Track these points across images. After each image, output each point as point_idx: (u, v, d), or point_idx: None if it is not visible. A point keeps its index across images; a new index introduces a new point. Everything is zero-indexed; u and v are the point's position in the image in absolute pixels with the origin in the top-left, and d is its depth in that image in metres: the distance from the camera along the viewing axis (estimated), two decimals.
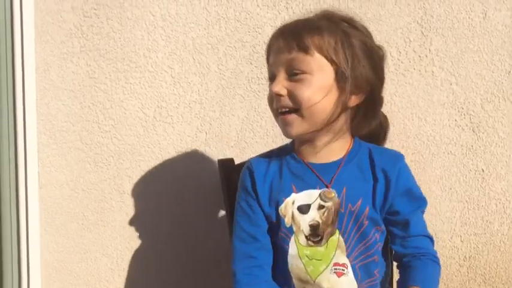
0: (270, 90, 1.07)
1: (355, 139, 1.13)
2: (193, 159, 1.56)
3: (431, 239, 1.14)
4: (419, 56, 1.59)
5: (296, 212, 1.07)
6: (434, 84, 1.61)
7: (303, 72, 1.03)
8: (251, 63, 1.55)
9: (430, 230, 1.64)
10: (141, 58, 1.52)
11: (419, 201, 1.13)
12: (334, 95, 1.04)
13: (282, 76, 1.05)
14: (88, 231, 1.55)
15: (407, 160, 1.60)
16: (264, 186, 1.10)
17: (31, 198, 1.51)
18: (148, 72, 1.53)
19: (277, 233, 1.10)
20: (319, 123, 1.05)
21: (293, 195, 1.08)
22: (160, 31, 1.52)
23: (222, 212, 1.45)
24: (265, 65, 1.53)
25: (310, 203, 1.06)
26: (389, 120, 1.59)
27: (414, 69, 1.60)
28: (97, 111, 1.52)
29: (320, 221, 1.05)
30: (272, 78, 1.08)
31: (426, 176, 1.64)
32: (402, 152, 1.59)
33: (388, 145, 1.59)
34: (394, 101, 1.60)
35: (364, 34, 1.08)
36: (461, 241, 1.67)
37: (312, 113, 1.04)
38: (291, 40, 1.03)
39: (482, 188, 1.66)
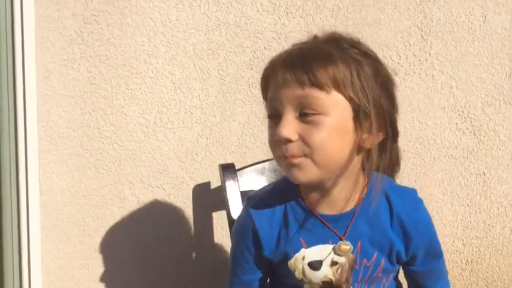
0: (273, 132, 0.89)
1: (370, 181, 0.95)
2: (194, 165, 1.56)
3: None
4: (420, 60, 1.60)
5: (307, 268, 0.95)
6: (434, 87, 1.61)
7: (317, 113, 0.85)
8: (251, 69, 1.55)
9: None
10: (142, 64, 1.52)
11: (437, 259, 1.03)
12: (351, 136, 0.87)
13: (291, 116, 0.86)
14: (89, 238, 1.55)
15: (409, 164, 1.62)
16: (270, 239, 0.96)
17: (32, 204, 1.51)
18: (148, 78, 1.53)
19: (288, 279, 0.99)
20: (334, 170, 0.89)
21: (302, 250, 0.95)
22: (161, 37, 1.52)
23: (224, 217, 1.45)
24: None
25: (322, 259, 0.94)
26: None
27: (414, 73, 1.60)
28: (98, 117, 1.52)
29: (333, 278, 0.95)
30: (274, 115, 0.90)
31: (428, 179, 1.63)
32: (403, 155, 1.60)
33: None
34: None
35: (376, 60, 0.92)
36: (463, 245, 1.67)
37: (327, 159, 0.87)
38: (300, 73, 0.85)
39: (483, 192, 1.66)
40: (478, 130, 1.64)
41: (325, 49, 0.88)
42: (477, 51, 1.61)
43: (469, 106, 1.63)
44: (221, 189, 1.43)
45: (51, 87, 1.50)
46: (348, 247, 0.93)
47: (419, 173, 1.63)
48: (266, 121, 1.54)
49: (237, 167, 1.43)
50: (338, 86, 0.85)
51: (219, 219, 1.56)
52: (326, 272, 0.94)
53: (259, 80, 1.54)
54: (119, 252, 1.56)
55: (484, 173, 1.65)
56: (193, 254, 1.59)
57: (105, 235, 1.55)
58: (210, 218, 1.58)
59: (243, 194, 1.39)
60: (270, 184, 1.04)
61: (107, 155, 1.53)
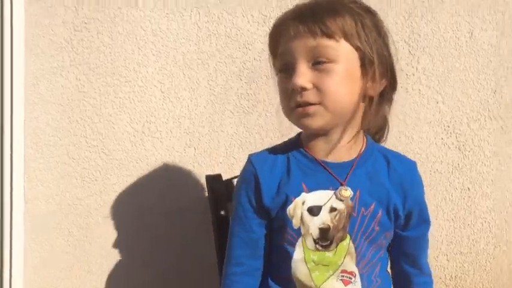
0: (288, 83, 0.94)
1: (367, 138, 1.04)
2: (181, 175, 1.55)
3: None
4: (407, 74, 1.62)
5: (306, 214, 0.97)
6: (421, 102, 1.63)
7: (329, 61, 0.92)
8: (241, 79, 1.56)
9: None
10: (131, 72, 1.52)
11: (426, 224, 1.09)
12: (358, 83, 0.95)
13: (304, 66, 0.93)
14: (73, 248, 1.53)
15: None
16: (270, 185, 1.00)
17: (16, 213, 1.48)
18: (138, 87, 1.53)
19: (282, 235, 1.01)
20: (343, 116, 0.97)
21: (303, 194, 0.98)
22: (151, 46, 1.52)
23: (210, 228, 1.44)
24: (256, 80, 1.55)
25: (321, 204, 0.97)
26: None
27: (401, 87, 1.62)
28: (85, 125, 1.51)
29: (331, 225, 0.97)
30: (287, 68, 0.96)
31: None
32: None
33: None
34: None
35: (375, 15, 0.99)
36: (448, 260, 1.67)
37: (337, 105, 0.94)
38: (312, 24, 0.91)
39: (468, 207, 1.67)
40: (463, 145, 1.66)
41: (332, 3, 0.94)
42: (463, 66, 1.64)
43: (455, 121, 1.65)
44: (208, 200, 1.43)
45: (39, 95, 1.49)
46: (348, 192, 0.97)
47: None
48: (254, 133, 1.55)
49: (224, 178, 1.43)
50: (346, 36, 0.92)
51: (206, 230, 1.54)
52: (324, 218, 0.97)
53: (248, 91, 1.56)
54: (104, 263, 1.54)
55: (469, 188, 1.67)
56: (179, 264, 1.58)
57: (89, 245, 1.53)
58: (197, 229, 1.56)
59: (229, 205, 1.38)
60: (275, 145, 1.09)
61: (93, 164, 1.52)
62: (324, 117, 0.95)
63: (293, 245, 1.00)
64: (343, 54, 0.93)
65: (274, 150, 1.04)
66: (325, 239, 0.98)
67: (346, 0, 0.96)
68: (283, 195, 0.99)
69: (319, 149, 1.00)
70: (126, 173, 1.53)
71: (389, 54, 0.99)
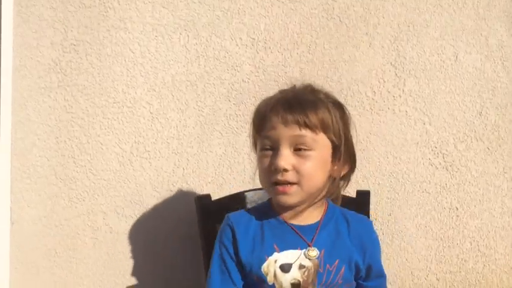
0: (270, 161, 1.09)
1: (328, 202, 1.20)
2: (170, 195, 1.55)
3: None
4: (393, 96, 1.63)
5: (278, 271, 1.11)
6: (408, 123, 1.64)
7: (308, 149, 1.08)
8: (229, 101, 1.57)
9: (406, 268, 1.65)
10: (120, 94, 1.52)
11: (383, 278, 1.23)
12: (328, 167, 1.11)
13: (287, 150, 1.08)
14: (60, 269, 1.51)
15: (383, 197, 1.64)
16: (246, 243, 1.13)
17: (2, 234, 1.47)
18: (126, 108, 1.53)
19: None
20: (314, 194, 1.12)
21: (275, 254, 1.12)
22: (140, 67, 1.53)
23: (199, 248, 1.43)
24: (245, 101, 1.56)
25: (291, 262, 1.11)
26: (364, 159, 1.62)
27: (388, 108, 1.63)
28: (73, 146, 1.51)
29: (301, 280, 1.11)
30: (268, 149, 1.10)
31: (401, 213, 1.65)
32: (377, 189, 1.62)
33: (363, 183, 1.62)
34: (369, 139, 1.63)
35: (342, 106, 1.15)
36: (437, 279, 1.67)
37: (311, 185, 1.10)
38: (298, 116, 1.07)
39: (456, 226, 1.68)
40: (451, 165, 1.67)
41: (313, 97, 1.11)
42: (449, 89, 1.66)
43: (442, 142, 1.66)
44: (197, 220, 1.42)
45: (27, 115, 1.49)
46: (315, 252, 1.11)
47: (394, 206, 1.65)
48: (243, 153, 1.56)
49: (213, 198, 1.43)
50: (324, 129, 1.09)
51: (195, 250, 1.54)
52: (295, 274, 1.11)
53: (237, 111, 1.56)
54: (91, 284, 1.53)
55: (457, 208, 1.68)
56: (167, 285, 1.57)
57: (76, 267, 1.52)
58: (185, 249, 1.56)
59: (218, 225, 1.38)
60: (250, 208, 1.24)
61: (80, 184, 1.51)
62: (299, 196, 1.10)
63: None
64: (320, 144, 1.09)
65: (249, 212, 1.18)
66: None
67: (321, 95, 1.13)
68: (257, 254, 1.12)
69: (288, 213, 1.15)
70: (114, 193, 1.53)
71: (352, 142, 1.15)
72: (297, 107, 1.07)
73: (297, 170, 1.08)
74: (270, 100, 1.12)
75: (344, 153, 1.11)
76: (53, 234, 1.51)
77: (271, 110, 1.09)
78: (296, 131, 1.07)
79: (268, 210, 1.17)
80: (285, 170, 1.07)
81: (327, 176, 1.12)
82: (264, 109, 1.11)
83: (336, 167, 1.12)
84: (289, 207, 1.14)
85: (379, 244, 1.22)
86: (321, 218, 1.16)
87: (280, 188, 1.09)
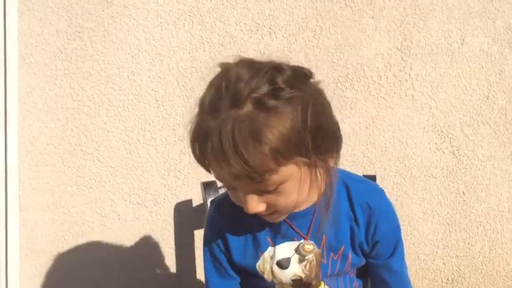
0: (237, 196, 0.87)
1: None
2: (176, 182, 1.56)
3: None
4: (400, 81, 1.62)
5: (276, 268, 0.95)
6: (414, 108, 1.63)
7: (276, 187, 0.84)
8: None
9: (413, 253, 1.66)
10: (125, 81, 1.52)
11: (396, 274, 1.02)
12: (309, 180, 0.87)
13: (253, 197, 0.85)
14: (68, 255, 1.53)
15: (390, 182, 1.63)
16: (235, 241, 0.97)
17: (11, 221, 1.49)
18: (132, 95, 1.53)
19: (260, 284, 0.98)
20: (303, 205, 0.92)
21: (270, 248, 0.95)
22: (145, 54, 1.53)
23: None
24: None
25: (289, 256, 0.94)
26: (371, 143, 1.62)
27: (395, 93, 1.63)
28: (80, 133, 1.52)
29: (303, 275, 0.95)
30: (230, 187, 0.88)
31: (408, 198, 1.65)
32: (384, 174, 1.62)
33: (370, 168, 1.61)
34: (375, 124, 1.62)
35: (303, 93, 0.84)
36: (444, 263, 1.68)
37: (293, 207, 0.90)
38: (250, 177, 0.80)
39: (463, 211, 1.68)
40: (457, 150, 1.66)
41: (252, 125, 0.79)
42: (456, 72, 1.65)
43: (448, 126, 1.65)
44: (203, 207, 1.43)
45: (33, 103, 1.49)
46: (311, 247, 0.93)
47: (400, 191, 1.64)
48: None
49: (219, 185, 1.43)
50: (283, 162, 0.81)
51: (201, 237, 1.55)
52: (295, 269, 0.94)
53: None
54: (99, 270, 1.54)
55: (464, 192, 1.67)
56: (174, 272, 1.58)
57: (85, 253, 1.53)
58: (192, 236, 1.57)
59: None
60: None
61: (88, 172, 1.52)
62: (282, 216, 0.91)
63: None
64: (288, 173, 0.83)
65: (236, 208, 0.93)
66: (300, 285, 0.95)
67: (269, 101, 0.80)
68: (250, 251, 0.96)
69: None
70: (121, 180, 1.54)
71: (331, 130, 0.87)
72: (240, 154, 0.78)
73: (271, 206, 0.86)
74: (203, 137, 0.83)
75: (323, 160, 0.86)
76: (61, 221, 1.52)
77: (211, 160, 0.82)
78: (250, 184, 0.82)
79: None
80: (260, 212, 0.87)
81: (309, 185, 0.87)
82: (202, 154, 0.84)
83: (318, 170, 0.87)
84: None
85: (395, 221, 0.98)
86: (317, 198, 0.92)
87: (263, 217, 0.90)
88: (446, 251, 1.67)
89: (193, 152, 0.87)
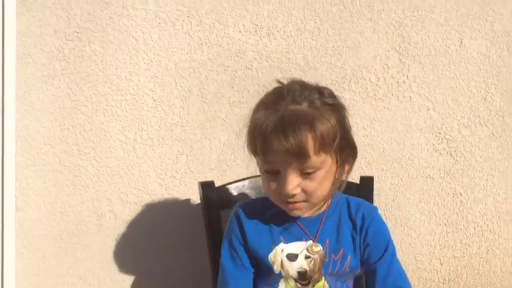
0: (275, 183, 1.08)
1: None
2: (173, 182, 1.56)
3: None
4: (398, 82, 1.63)
5: (285, 259, 1.14)
6: (412, 109, 1.64)
7: (313, 171, 1.07)
8: (232, 87, 1.57)
9: (410, 253, 1.66)
10: (123, 81, 1.52)
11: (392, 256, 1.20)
12: (334, 176, 1.11)
13: (293, 175, 1.06)
14: (65, 255, 1.53)
15: (387, 183, 1.64)
16: (253, 233, 1.16)
17: (7, 221, 1.48)
18: (129, 95, 1.53)
19: (267, 277, 1.16)
20: (322, 202, 1.15)
21: (282, 244, 1.15)
22: (143, 55, 1.53)
23: (203, 236, 1.44)
24: (248, 88, 1.56)
25: (297, 252, 1.14)
26: (368, 145, 1.62)
27: (392, 94, 1.63)
28: (77, 133, 1.52)
29: (307, 269, 1.13)
30: (273, 172, 1.08)
31: (405, 199, 1.65)
32: (381, 175, 1.63)
33: (367, 169, 1.62)
34: (373, 126, 1.62)
35: (335, 105, 1.11)
36: (441, 264, 1.68)
37: (319, 199, 1.12)
38: (300, 153, 1.03)
39: (460, 212, 1.68)
40: (455, 151, 1.67)
41: (309, 110, 1.06)
42: (453, 74, 1.65)
43: (446, 128, 1.66)
44: (200, 207, 1.43)
45: (31, 103, 1.49)
46: (318, 248, 1.14)
47: (397, 192, 1.65)
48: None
49: (216, 185, 1.44)
50: (324, 150, 1.06)
51: (198, 238, 1.55)
52: (301, 263, 1.13)
53: (240, 98, 1.56)
54: (95, 270, 1.54)
55: (461, 193, 1.68)
56: (171, 272, 1.58)
57: (81, 252, 1.53)
58: (189, 237, 1.57)
59: (222, 212, 1.39)
60: (257, 198, 1.29)
61: (85, 172, 1.52)
62: (309, 208, 1.13)
63: (277, 283, 1.15)
64: (325, 161, 1.07)
65: (256, 203, 1.20)
66: (304, 279, 1.14)
67: (316, 99, 1.08)
68: (264, 243, 1.15)
69: None
70: (118, 180, 1.54)
71: (351, 135, 1.13)
72: (296, 132, 1.03)
73: (304, 191, 1.08)
74: (266, 121, 1.05)
75: (346, 155, 1.10)
76: (58, 220, 1.52)
77: (270, 135, 1.04)
78: (300, 157, 1.04)
79: (275, 205, 1.16)
80: (294, 195, 1.08)
81: (332, 182, 1.11)
82: (263, 133, 1.05)
83: (339, 170, 1.12)
84: None
85: (386, 238, 1.18)
86: (325, 209, 1.17)
87: (291, 206, 1.10)
88: (443, 252, 1.68)
89: (253, 130, 1.08)
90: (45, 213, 1.51)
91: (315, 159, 1.05)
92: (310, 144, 1.03)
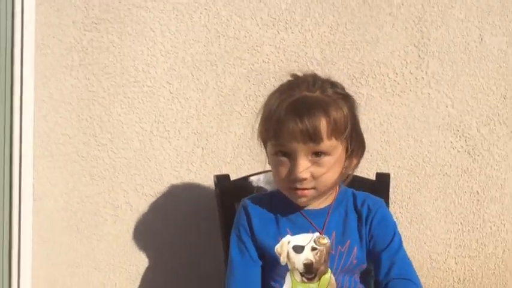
0: (285, 167, 1.10)
1: (340, 184, 1.21)
2: (189, 175, 1.56)
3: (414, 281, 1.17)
4: (416, 78, 1.61)
5: (291, 251, 1.15)
6: (430, 106, 1.62)
7: (324, 155, 1.10)
8: (249, 81, 1.56)
9: (425, 252, 1.65)
10: (140, 73, 1.53)
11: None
12: (342, 165, 1.14)
13: (304, 159, 1.09)
14: (81, 245, 1.54)
15: (403, 180, 1.63)
16: (260, 226, 1.18)
17: (24, 210, 1.50)
18: (146, 87, 1.53)
19: (273, 270, 1.17)
20: (328, 191, 1.16)
21: (288, 236, 1.16)
22: (160, 47, 1.53)
23: (217, 227, 1.45)
24: (264, 82, 1.55)
25: (304, 244, 1.15)
26: (385, 141, 1.61)
27: (410, 90, 1.61)
28: (94, 124, 1.52)
29: (314, 260, 1.14)
30: (284, 153, 1.11)
31: (421, 197, 1.64)
32: (397, 172, 1.61)
33: (383, 165, 1.61)
34: (390, 122, 1.61)
35: (347, 97, 1.14)
36: (456, 263, 1.67)
37: (327, 187, 1.14)
38: (316, 125, 1.07)
39: (477, 211, 1.66)
40: (473, 149, 1.65)
41: (322, 97, 1.10)
42: (473, 71, 1.63)
43: (464, 125, 1.64)
44: (215, 200, 1.43)
45: (49, 94, 1.50)
46: (325, 240, 1.15)
47: (413, 190, 1.63)
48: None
49: (232, 178, 1.44)
50: (336, 136, 1.10)
51: (213, 230, 1.55)
52: (307, 255, 1.14)
53: (256, 92, 1.56)
54: (111, 260, 1.56)
55: (478, 192, 1.66)
56: (186, 264, 1.59)
57: (97, 243, 1.55)
58: (204, 229, 1.57)
59: (237, 205, 1.39)
60: (265, 192, 1.32)
61: (102, 163, 1.53)
62: (315, 196, 1.14)
63: (283, 277, 1.17)
64: (335, 148, 1.11)
65: (263, 197, 1.23)
66: (310, 272, 1.15)
67: (328, 89, 1.12)
68: (271, 235, 1.16)
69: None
70: (134, 171, 1.54)
71: (360, 128, 1.17)
72: (311, 114, 1.07)
73: (314, 177, 1.10)
74: (281, 104, 1.09)
75: (355, 147, 1.14)
76: (75, 211, 1.53)
77: (284, 117, 1.08)
78: (314, 140, 1.07)
79: (282, 196, 1.18)
80: (304, 179, 1.10)
81: (341, 172, 1.14)
82: (277, 115, 1.09)
83: (348, 161, 1.15)
84: None
85: (392, 228, 1.18)
86: (332, 201, 1.18)
87: (299, 192, 1.12)
88: (458, 251, 1.66)
89: (267, 115, 1.11)
90: (62, 203, 1.53)
91: (327, 143, 1.08)
92: (324, 127, 1.07)
